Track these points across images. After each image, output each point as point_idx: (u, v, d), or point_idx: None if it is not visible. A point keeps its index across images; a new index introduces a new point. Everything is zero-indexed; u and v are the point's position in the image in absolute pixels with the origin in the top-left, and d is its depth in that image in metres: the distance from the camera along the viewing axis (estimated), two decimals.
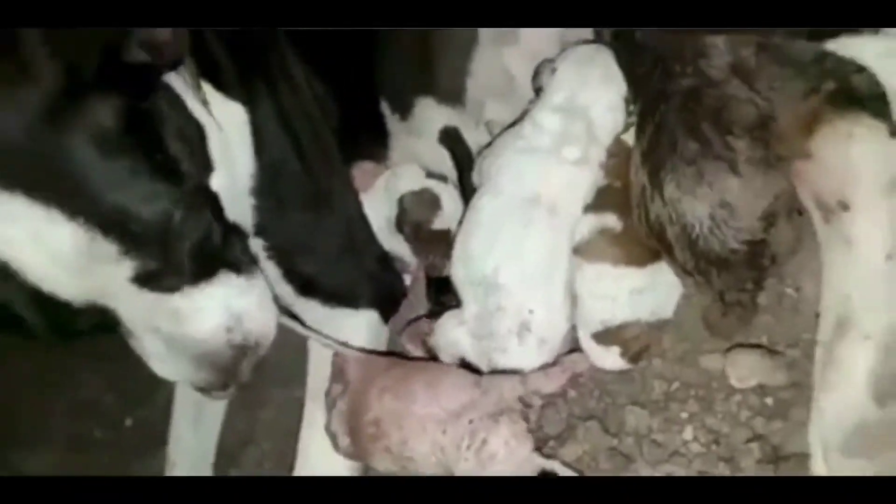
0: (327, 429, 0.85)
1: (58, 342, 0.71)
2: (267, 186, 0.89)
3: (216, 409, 1.16)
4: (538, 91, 0.88)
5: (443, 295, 0.97)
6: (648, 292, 0.83)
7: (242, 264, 0.78)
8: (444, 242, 0.96)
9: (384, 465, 0.81)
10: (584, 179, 0.84)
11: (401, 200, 1.02)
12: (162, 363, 0.73)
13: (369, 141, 1.07)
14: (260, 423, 1.15)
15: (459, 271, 0.87)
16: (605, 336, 0.85)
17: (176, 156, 0.70)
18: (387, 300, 1.02)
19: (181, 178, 0.70)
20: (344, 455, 0.84)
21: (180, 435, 1.13)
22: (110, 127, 0.64)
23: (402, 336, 0.93)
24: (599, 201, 0.84)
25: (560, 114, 0.84)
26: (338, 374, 0.87)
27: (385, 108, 1.06)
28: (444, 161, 1.04)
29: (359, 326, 0.97)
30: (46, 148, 0.62)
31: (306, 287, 0.96)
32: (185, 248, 0.70)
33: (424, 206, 1.01)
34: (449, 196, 1.04)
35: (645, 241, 0.81)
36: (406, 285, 1.08)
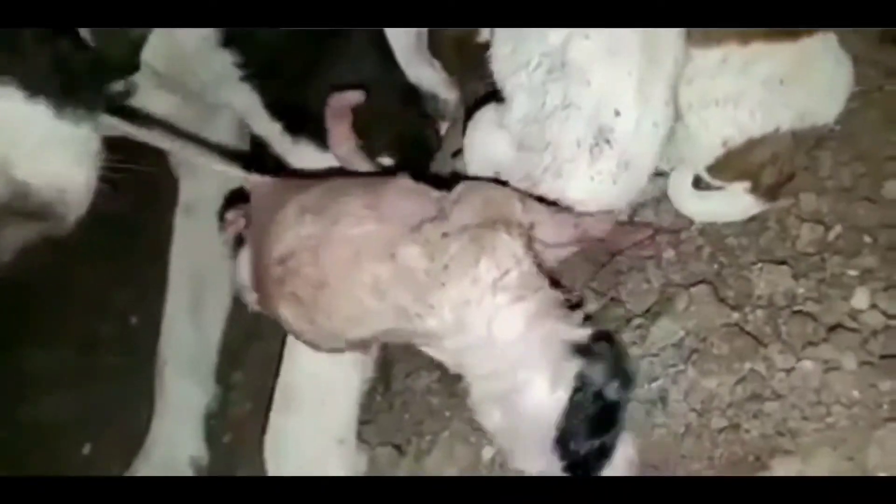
0: (235, 280, 0.63)
1: None
2: None
3: (218, 297, 0.97)
4: None
5: None
6: (796, 83, 0.56)
7: (43, 86, 0.53)
8: None
9: (297, 325, 0.57)
10: None
11: None
12: None
13: None
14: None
15: (504, 52, 0.59)
16: (726, 165, 0.58)
17: None
18: (414, 147, 0.77)
19: None
20: (258, 310, 0.63)
21: (175, 328, 0.95)
22: None
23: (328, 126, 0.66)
24: None
25: None
26: (239, 206, 0.63)
27: None
28: None
29: None
30: None
31: (298, 124, 0.72)
32: None
33: None
34: None
35: None
36: (441, 134, 0.83)
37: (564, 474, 0.48)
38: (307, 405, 0.69)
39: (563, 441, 0.47)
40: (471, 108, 0.77)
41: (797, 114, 0.56)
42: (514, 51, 0.58)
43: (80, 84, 0.55)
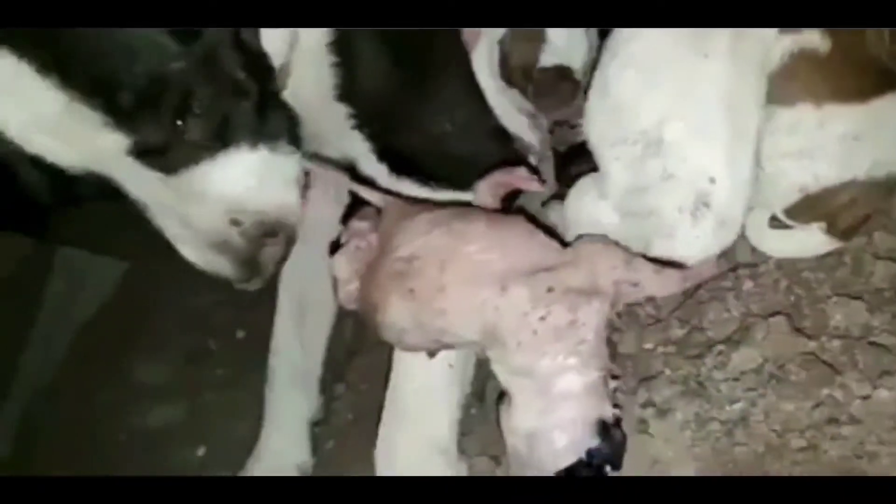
0: (331, 272, 0.72)
1: (61, 205, 0.64)
2: (348, 41, 0.74)
3: (322, 315, 1.04)
4: None
5: (574, 168, 0.78)
6: (869, 139, 0.60)
7: (264, 135, 0.67)
8: (566, 84, 0.76)
9: (398, 317, 0.64)
10: None
11: (501, 44, 0.82)
12: (184, 246, 0.66)
13: None
14: (367, 333, 1.03)
15: (600, 127, 0.66)
16: (803, 209, 0.63)
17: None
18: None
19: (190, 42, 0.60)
20: (344, 304, 0.72)
21: (283, 343, 1.02)
22: None
23: (478, 186, 0.74)
24: None
25: None
26: (366, 213, 0.73)
27: None
28: None
29: None
30: None
31: (403, 166, 0.80)
32: (195, 126, 0.62)
33: (524, 40, 0.79)
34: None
35: (870, 63, 0.59)
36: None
37: None
38: (414, 417, 0.76)
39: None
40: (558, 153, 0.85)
41: (873, 163, 0.60)
42: (610, 126, 0.64)
43: (285, 127, 0.69)
